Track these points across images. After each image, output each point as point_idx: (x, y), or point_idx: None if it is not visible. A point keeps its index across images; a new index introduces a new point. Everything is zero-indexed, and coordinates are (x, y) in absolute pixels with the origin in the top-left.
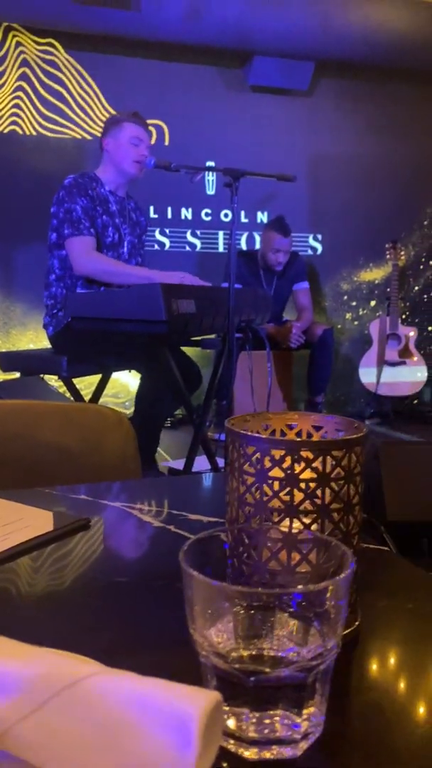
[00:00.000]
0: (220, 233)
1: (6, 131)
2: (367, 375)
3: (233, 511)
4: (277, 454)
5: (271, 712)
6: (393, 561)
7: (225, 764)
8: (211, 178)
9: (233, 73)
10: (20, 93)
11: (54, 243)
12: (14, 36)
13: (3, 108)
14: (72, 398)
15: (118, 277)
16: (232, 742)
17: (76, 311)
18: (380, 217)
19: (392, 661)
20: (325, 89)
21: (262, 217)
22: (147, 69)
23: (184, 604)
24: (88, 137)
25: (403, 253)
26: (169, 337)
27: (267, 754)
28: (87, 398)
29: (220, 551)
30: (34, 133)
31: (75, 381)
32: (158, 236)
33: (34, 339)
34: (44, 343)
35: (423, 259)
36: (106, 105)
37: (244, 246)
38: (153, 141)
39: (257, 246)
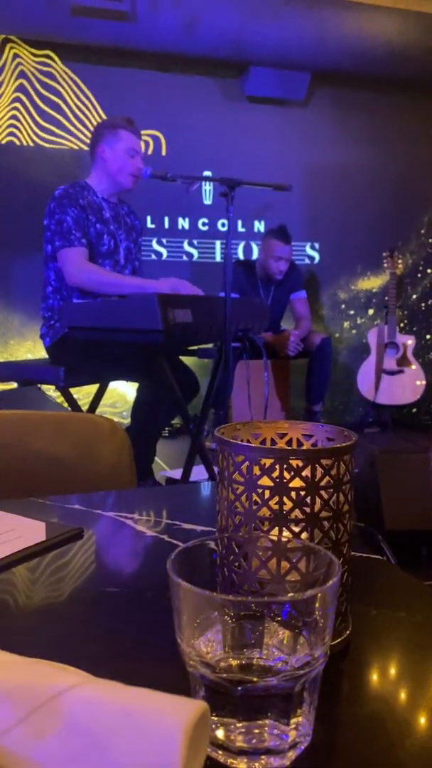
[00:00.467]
0: (217, 243)
1: (4, 142)
2: (365, 383)
3: (223, 519)
4: (266, 462)
5: (260, 722)
6: (386, 569)
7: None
8: (208, 187)
9: (230, 83)
10: (18, 104)
11: (49, 255)
12: (12, 48)
13: (1, 119)
14: (69, 408)
15: (110, 287)
16: (221, 752)
17: (73, 321)
18: (377, 225)
19: (382, 670)
20: (321, 99)
21: (259, 226)
22: (144, 80)
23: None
24: (86, 148)
25: (400, 261)
26: (165, 347)
27: (256, 765)
28: (84, 408)
29: (209, 560)
30: (31, 143)
31: (73, 391)
32: (155, 246)
33: (32, 349)
34: (42, 354)
35: (420, 268)
36: (103, 116)
37: (241, 255)
38: (150, 151)
39: (254, 255)
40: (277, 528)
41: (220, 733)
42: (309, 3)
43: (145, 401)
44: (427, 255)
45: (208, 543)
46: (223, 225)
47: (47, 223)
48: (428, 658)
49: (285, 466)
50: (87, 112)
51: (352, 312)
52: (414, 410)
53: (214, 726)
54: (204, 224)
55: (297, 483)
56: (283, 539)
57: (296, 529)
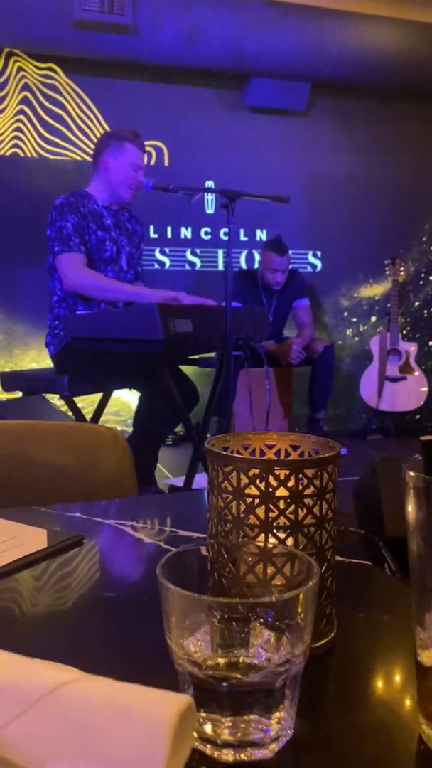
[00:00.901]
0: (220, 251)
1: (8, 153)
2: (368, 391)
3: (214, 526)
4: (253, 472)
5: (245, 717)
6: (372, 574)
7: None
8: (210, 197)
9: (231, 94)
10: (21, 116)
11: (52, 265)
12: (16, 61)
13: (5, 131)
14: (73, 417)
15: (108, 293)
16: (208, 746)
17: (76, 331)
18: (379, 233)
19: (364, 669)
20: (321, 109)
21: (261, 235)
22: (146, 91)
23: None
24: (89, 159)
25: (402, 269)
26: (166, 356)
27: (242, 756)
28: (88, 417)
29: (199, 565)
30: (35, 155)
31: (77, 400)
32: (158, 255)
33: (37, 359)
34: (47, 363)
35: (422, 275)
36: (106, 127)
37: (243, 264)
38: (153, 161)
39: (257, 264)
40: (263, 535)
41: (207, 728)
42: (307, 14)
43: (146, 410)
44: (428, 262)
45: (200, 548)
46: (225, 234)
47: (49, 233)
48: (408, 658)
49: (271, 476)
50: (90, 123)
51: (354, 319)
52: (417, 417)
53: (202, 721)
54: (206, 233)
55: (282, 492)
56: (269, 545)
57: (282, 536)
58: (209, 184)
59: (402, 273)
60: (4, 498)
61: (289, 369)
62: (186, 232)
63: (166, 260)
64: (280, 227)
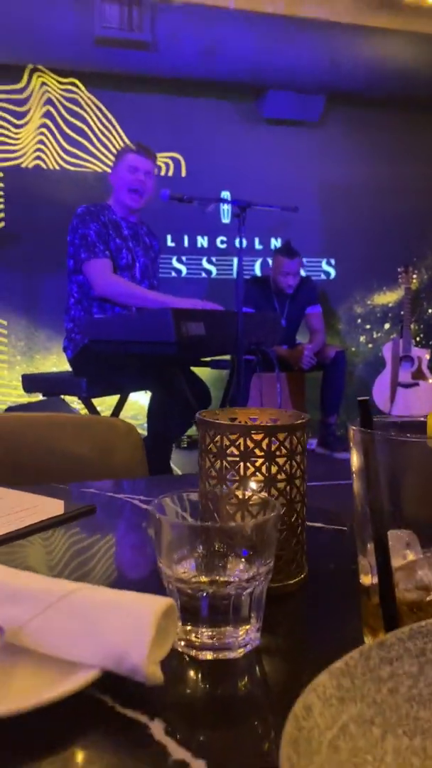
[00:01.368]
0: (235, 260)
1: (31, 166)
2: (380, 397)
3: (202, 483)
4: (234, 436)
5: (220, 628)
6: (347, 539)
7: (186, 660)
8: (226, 207)
9: (247, 106)
10: (44, 130)
11: (72, 269)
12: (39, 77)
13: (28, 144)
14: None
15: (135, 300)
16: (193, 651)
17: (92, 334)
18: (392, 241)
19: (326, 603)
20: (336, 120)
21: (276, 243)
22: (164, 104)
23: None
24: (109, 170)
25: (415, 276)
26: (178, 358)
27: (218, 655)
28: None
29: (190, 509)
30: (57, 167)
31: (95, 402)
32: (175, 263)
33: (57, 363)
34: (66, 367)
35: None
36: (126, 139)
37: (258, 272)
38: (171, 173)
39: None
40: (242, 487)
41: (191, 637)
42: (323, 28)
43: (157, 409)
44: None
45: (189, 494)
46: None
47: (71, 239)
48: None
49: (248, 438)
50: (110, 136)
51: (368, 326)
52: None
53: (187, 630)
54: (222, 242)
55: (258, 452)
56: (247, 496)
57: (257, 489)
58: (225, 194)
59: (415, 280)
60: (27, 481)
61: (301, 374)
62: (202, 241)
63: (183, 268)
64: (295, 236)
